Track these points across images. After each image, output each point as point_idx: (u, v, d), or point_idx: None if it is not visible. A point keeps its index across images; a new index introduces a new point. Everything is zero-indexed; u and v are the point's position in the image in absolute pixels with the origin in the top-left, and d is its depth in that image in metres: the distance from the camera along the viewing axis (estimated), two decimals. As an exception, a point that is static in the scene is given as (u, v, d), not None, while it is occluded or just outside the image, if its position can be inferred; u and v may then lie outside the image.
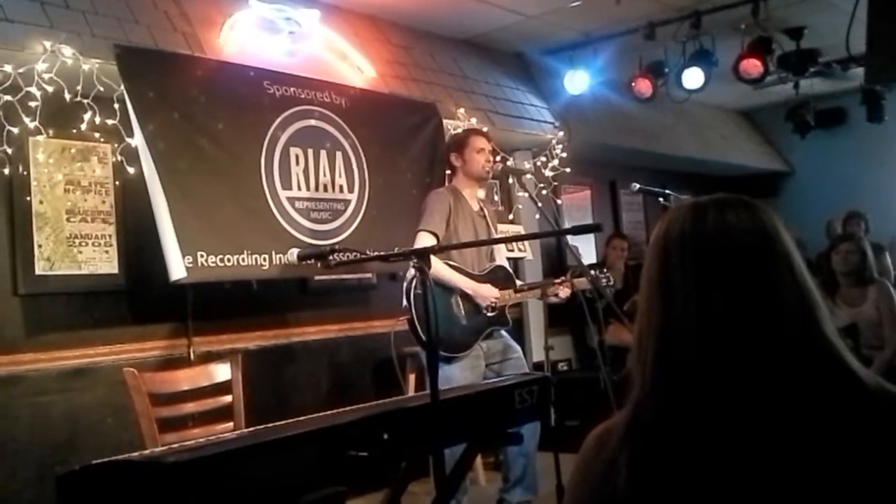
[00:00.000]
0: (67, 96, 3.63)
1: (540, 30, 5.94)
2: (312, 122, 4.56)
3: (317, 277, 4.83)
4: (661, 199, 4.04)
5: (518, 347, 4.11)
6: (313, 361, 4.92)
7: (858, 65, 5.93)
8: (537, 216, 4.72)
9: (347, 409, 2.50)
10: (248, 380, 3.76)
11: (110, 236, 4.11)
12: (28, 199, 3.82)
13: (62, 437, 3.86)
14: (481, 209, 4.16)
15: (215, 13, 4.41)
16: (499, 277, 4.08)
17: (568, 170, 6.05)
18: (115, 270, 4.12)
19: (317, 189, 4.52)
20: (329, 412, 2.50)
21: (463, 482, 3.51)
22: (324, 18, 4.76)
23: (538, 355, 5.98)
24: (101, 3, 3.93)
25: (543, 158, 6.05)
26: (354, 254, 3.27)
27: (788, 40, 6.21)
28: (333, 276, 4.89)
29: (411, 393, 4.41)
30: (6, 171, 3.65)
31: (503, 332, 4.05)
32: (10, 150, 3.62)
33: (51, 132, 3.76)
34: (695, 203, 1.16)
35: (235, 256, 4.00)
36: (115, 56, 3.70)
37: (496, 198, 6.38)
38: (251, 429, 2.55)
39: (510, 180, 6.16)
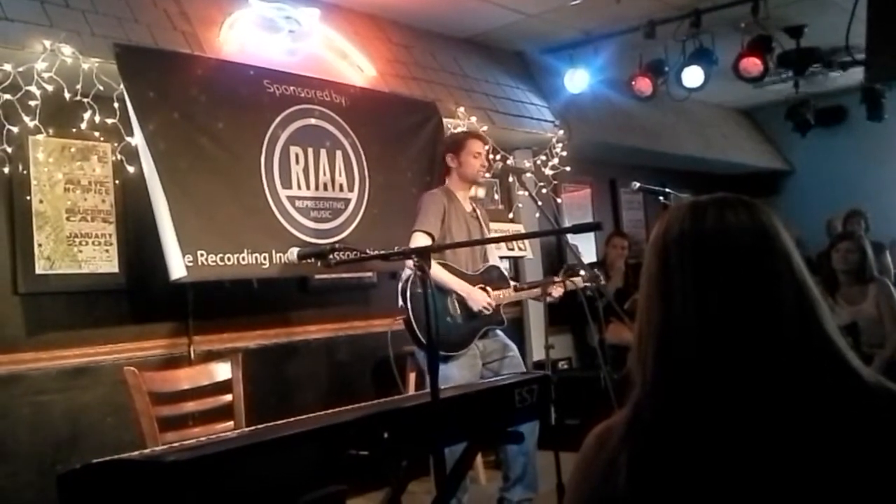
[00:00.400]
0: (67, 95, 3.63)
1: (540, 28, 5.93)
2: (312, 120, 4.56)
3: (317, 276, 4.83)
4: (661, 198, 4.04)
5: (514, 346, 4.12)
6: (314, 360, 4.92)
7: (858, 63, 5.92)
8: (537, 215, 4.72)
9: (348, 408, 2.50)
10: (248, 379, 3.76)
11: (110, 235, 4.11)
12: (28, 198, 3.82)
13: (63, 436, 3.86)
14: (474, 210, 4.19)
15: (215, 12, 4.41)
16: (493, 277, 4.12)
17: (568, 168, 6.05)
18: (116, 269, 4.12)
19: (317, 188, 4.52)
20: (329, 411, 2.50)
21: (463, 481, 3.51)
22: (324, 17, 4.76)
23: (539, 354, 5.98)
24: (101, 2, 3.93)
25: (543, 157, 6.05)
26: (355, 253, 3.27)
27: (788, 39, 6.21)
28: (334, 275, 4.89)
29: (411, 392, 4.41)
30: (6, 170, 3.65)
31: (499, 332, 4.07)
32: (9, 149, 3.62)
33: (51, 131, 3.77)
34: (694, 202, 1.16)
35: (236, 255, 4.00)
36: (115, 55, 3.70)
37: (496, 196, 6.38)
38: (251, 428, 2.55)
39: (510, 179, 6.18)
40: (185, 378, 3.64)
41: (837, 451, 1.00)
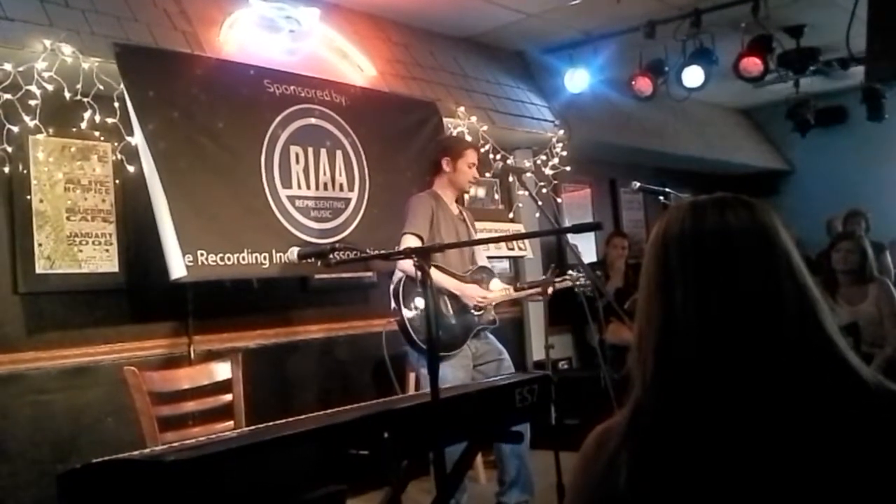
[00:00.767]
0: (67, 95, 3.63)
1: (540, 28, 5.93)
2: (312, 120, 4.56)
3: (317, 276, 4.83)
4: (661, 198, 4.04)
5: (503, 349, 4.13)
6: (314, 360, 4.92)
7: (859, 63, 5.92)
8: (537, 214, 4.72)
9: (348, 407, 2.50)
10: (248, 378, 3.76)
11: (110, 235, 4.11)
12: (28, 197, 3.82)
13: (63, 435, 3.86)
14: (461, 213, 4.22)
15: (215, 11, 4.41)
16: (483, 279, 4.14)
17: (568, 168, 6.05)
18: (116, 269, 4.12)
19: (317, 188, 4.52)
20: (329, 411, 2.50)
21: (462, 480, 3.52)
22: (324, 17, 4.76)
23: (539, 354, 5.99)
24: (101, 2, 3.93)
25: (543, 157, 6.05)
26: (355, 252, 3.27)
27: (789, 38, 6.21)
28: (334, 275, 4.89)
29: (411, 392, 4.41)
30: (6, 169, 3.65)
31: (489, 335, 4.10)
32: (10, 149, 3.62)
33: (51, 131, 3.77)
34: (694, 202, 1.16)
35: (236, 255, 4.00)
36: (115, 54, 3.70)
37: (496, 196, 6.38)
38: (251, 427, 2.56)
39: (510, 178, 6.18)
40: (185, 378, 3.64)
41: (837, 450, 1.00)
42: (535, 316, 6.17)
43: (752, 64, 5.86)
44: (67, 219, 3.96)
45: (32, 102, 3.55)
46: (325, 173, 4.58)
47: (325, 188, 4.57)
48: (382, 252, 3.74)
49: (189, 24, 4.27)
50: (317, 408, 2.66)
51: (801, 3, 5.67)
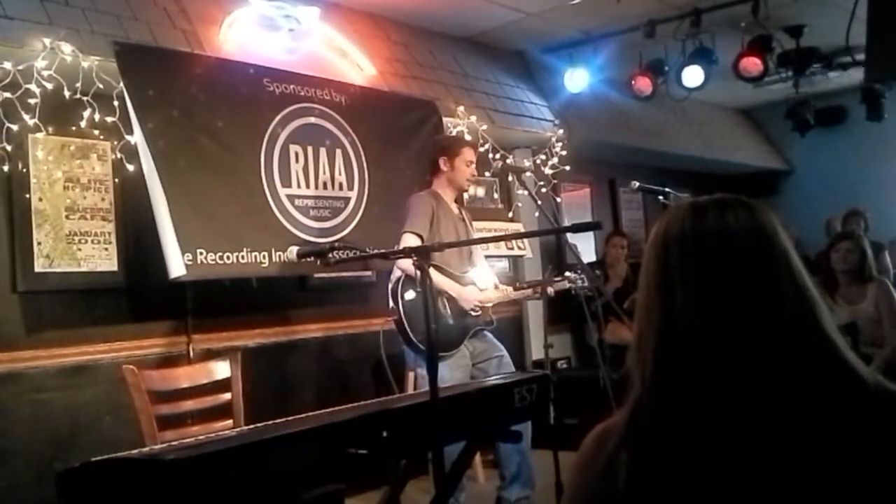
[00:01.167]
0: (67, 93, 3.63)
1: (540, 28, 5.93)
2: (312, 119, 4.55)
3: (316, 275, 4.83)
4: (660, 198, 4.04)
5: (502, 347, 4.13)
6: (313, 359, 4.92)
7: (858, 63, 5.93)
8: (537, 214, 4.72)
9: (346, 406, 2.50)
10: (247, 377, 3.76)
11: (110, 234, 4.11)
12: (27, 196, 3.82)
13: (62, 434, 3.86)
14: (460, 212, 4.21)
15: (215, 10, 4.41)
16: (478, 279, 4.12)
17: (567, 168, 6.05)
18: (115, 268, 4.11)
19: (316, 187, 4.52)
20: (328, 410, 2.50)
21: (461, 480, 3.52)
22: (323, 16, 4.76)
23: (538, 353, 6.00)
24: (101, 0, 3.93)
25: (543, 156, 6.05)
26: (354, 251, 3.27)
27: (788, 38, 6.21)
28: (333, 274, 4.89)
29: (410, 391, 4.41)
30: (5, 168, 3.65)
31: (487, 332, 4.09)
32: (9, 148, 3.61)
33: (50, 129, 3.76)
34: (694, 203, 1.16)
35: (235, 254, 4.00)
36: (115, 53, 3.70)
37: (496, 195, 6.38)
38: (250, 426, 2.56)
39: (510, 178, 6.18)
40: (184, 376, 3.64)
41: (837, 450, 1.01)
42: (534, 315, 6.17)
43: (752, 64, 5.86)
44: (67, 217, 3.96)
45: (32, 101, 3.55)
46: (324, 172, 4.58)
47: (325, 187, 4.57)
48: (382, 251, 3.74)
49: (189, 23, 4.27)
50: (316, 407, 2.66)
51: (801, 2, 5.67)
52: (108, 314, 4.09)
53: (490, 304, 4.07)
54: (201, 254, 3.85)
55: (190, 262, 3.78)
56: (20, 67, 3.50)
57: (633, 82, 6.24)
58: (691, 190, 6.96)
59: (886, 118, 7.56)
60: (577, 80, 6.26)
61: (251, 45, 4.45)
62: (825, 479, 1.00)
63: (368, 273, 5.18)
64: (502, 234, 5.22)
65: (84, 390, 3.96)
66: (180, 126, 3.92)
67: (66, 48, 3.57)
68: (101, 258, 4.07)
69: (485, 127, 5.50)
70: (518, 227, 5.80)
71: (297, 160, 4.44)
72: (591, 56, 6.21)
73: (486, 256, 4.51)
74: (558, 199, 6.50)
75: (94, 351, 4.01)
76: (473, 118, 5.41)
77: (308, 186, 4.47)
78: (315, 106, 4.58)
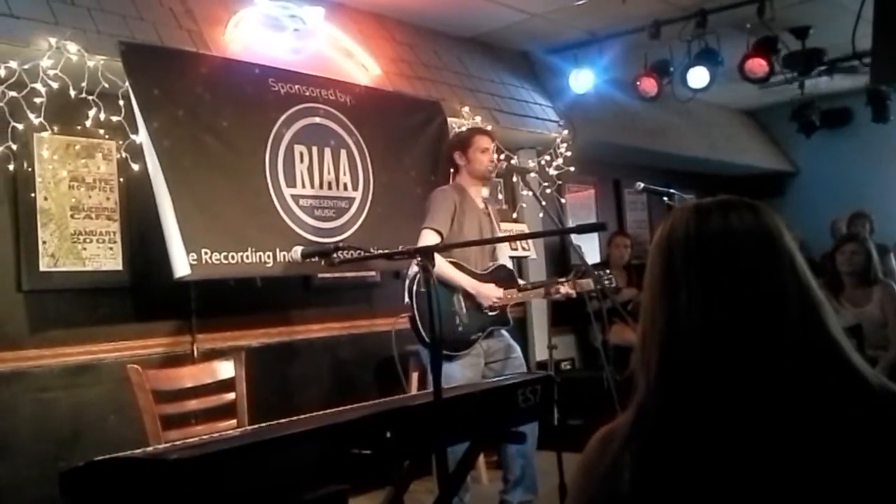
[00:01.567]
0: (72, 93, 3.63)
1: (545, 28, 5.93)
2: (317, 119, 4.56)
3: (320, 275, 4.84)
4: (665, 199, 4.03)
5: (518, 347, 4.09)
6: (317, 359, 4.92)
7: (864, 65, 5.91)
8: (541, 215, 4.72)
9: (350, 407, 2.50)
10: (251, 377, 3.76)
11: (114, 233, 4.12)
12: (32, 195, 3.83)
13: (65, 433, 3.86)
14: (486, 207, 4.15)
15: (220, 10, 4.42)
16: (501, 277, 4.07)
17: (572, 168, 6.05)
18: (120, 267, 4.12)
19: (321, 187, 4.52)
20: (332, 410, 2.50)
21: (465, 481, 3.51)
22: (329, 16, 4.76)
23: (542, 354, 5.99)
24: (107, 0, 3.94)
25: (548, 157, 6.05)
26: (358, 252, 3.27)
27: (794, 40, 6.19)
28: (337, 274, 4.89)
29: (414, 391, 4.40)
30: (11, 167, 3.66)
31: (503, 332, 4.04)
32: (14, 147, 3.62)
33: (55, 128, 3.77)
34: (698, 205, 1.16)
35: (239, 254, 4.01)
36: (120, 53, 3.70)
37: (500, 196, 6.37)
38: (254, 426, 2.56)
39: (514, 179, 6.17)
40: (189, 376, 3.65)
41: (841, 452, 1.00)
42: (539, 316, 6.17)
43: (758, 65, 5.84)
44: (72, 217, 3.96)
45: (37, 100, 3.55)
46: (329, 172, 4.58)
47: (329, 187, 4.57)
48: (386, 252, 3.73)
49: (194, 23, 4.28)
50: (319, 407, 2.65)
51: (807, 4, 5.66)
52: (112, 313, 4.10)
53: (509, 303, 4.00)
54: (206, 253, 3.85)
55: (194, 262, 3.79)
56: (26, 66, 3.51)
57: (638, 83, 6.23)
58: (696, 191, 6.97)
59: (892, 120, 7.55)
60: (581, 80, 6.25)
61: (256, 45, 4.45)
62: (829, 481, 0.99)
63: (372, 273, 5.19)
64: (506, 234, 5.21)
65: (88, 389, 3.96)
66: (185, 126, 3.93)
67: (72, 47, 3.58)
68: (105, 257, 4.07)
69: (489, 127, 5.49)
70: (522, 227, 5.80)
71: (301, 160, 4.45)
72: (596, 57, 6.20)
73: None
74: (563, 200, 6.49)
75: (98, 350, 4.01)
76: (478, 119, 5.41)
77: (312, 186, 4.47)
78: (320, 106, 4.58)
